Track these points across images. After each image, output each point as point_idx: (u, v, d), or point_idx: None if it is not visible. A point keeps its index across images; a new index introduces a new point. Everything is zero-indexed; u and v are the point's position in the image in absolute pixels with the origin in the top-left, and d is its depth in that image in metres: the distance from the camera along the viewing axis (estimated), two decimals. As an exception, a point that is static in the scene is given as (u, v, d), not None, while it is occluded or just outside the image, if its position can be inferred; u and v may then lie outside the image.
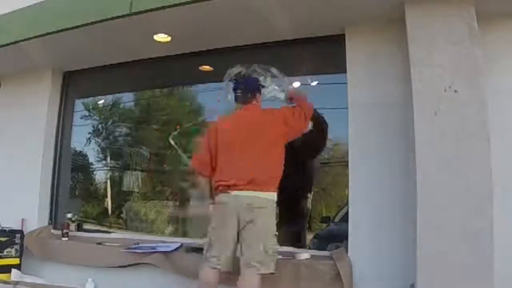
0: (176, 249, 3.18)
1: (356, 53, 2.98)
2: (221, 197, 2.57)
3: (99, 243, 3.52)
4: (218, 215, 2.58)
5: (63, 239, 3.69)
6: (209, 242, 2.57)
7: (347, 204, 2.92)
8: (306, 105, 2.79)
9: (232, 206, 2.51)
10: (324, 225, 3.53)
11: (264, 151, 2.57)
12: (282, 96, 2.98)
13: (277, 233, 2.55)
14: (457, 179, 2.30)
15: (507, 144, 2.54)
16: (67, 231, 3.73)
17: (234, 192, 2.52)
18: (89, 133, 4.51)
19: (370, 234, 2.76)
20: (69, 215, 3.87)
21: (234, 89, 2.85)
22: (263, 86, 2.91)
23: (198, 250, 3.14)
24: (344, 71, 2.99)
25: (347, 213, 2.89)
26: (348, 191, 2.88)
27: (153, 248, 3.21)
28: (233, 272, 2.51)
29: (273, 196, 2.57)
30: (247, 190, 2.50)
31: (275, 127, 2.63)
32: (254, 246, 2.44)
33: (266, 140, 2.59)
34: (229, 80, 2.99)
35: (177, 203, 4.18)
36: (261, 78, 2.95)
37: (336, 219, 3.37)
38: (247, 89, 2.80)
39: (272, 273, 2.47)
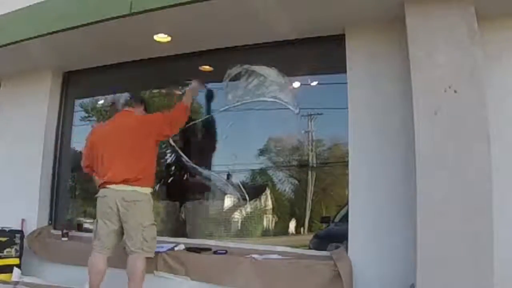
0: (171, 249, 3.18)
1: (356, 53, 2.98)
2: (101, 191, 2.95)
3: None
4: (101, 207, 2.93)
5: (63, 239, 3.70)
6: (95, 231, 2.98)
7: (347, 204, 2.92)
8: (178, 113, 3.19)
9: (111, 199, 2.86)
10: (324, 225, 3.52)
11: (137, 154, 2.93)
12: (282, 96, 2.98)
13: (155, 223, 2.94)
14: (457, 179, 2.30)
15: (507, 144, 2.54)
16: (67, 231, 3.74)
17: (112, 186, 2.87)
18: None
19: (370, 234, 2.76)
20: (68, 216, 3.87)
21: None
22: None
23: (198, 250, 3.15)
24: (344, 71, 2.99)
25: (347, 213, 2.89)
26: (348, 191, 2.88)
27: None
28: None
29: (148, 189, 2.94)
30: (122, 185, 2.85)
31: (143, 130, 3.00)
32: (133, 235, 2.82)
33: (137, 142, 2.96)
34: (229, 80, 3.01)
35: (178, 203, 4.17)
36: (261, 79, 2.96)
37: (336, 219, 3.37)
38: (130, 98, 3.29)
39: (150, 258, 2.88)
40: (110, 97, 4.37)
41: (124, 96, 4.00)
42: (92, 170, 3.13)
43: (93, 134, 3.18)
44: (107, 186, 2.91)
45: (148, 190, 2.96)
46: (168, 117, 3.15)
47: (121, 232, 2.93)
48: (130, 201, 2.85)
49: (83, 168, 3.22)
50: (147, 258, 2.87)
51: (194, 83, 3.46)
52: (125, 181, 2.86)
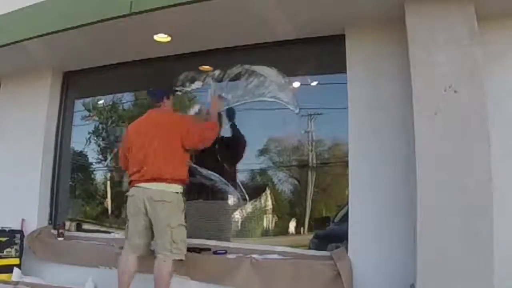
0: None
1: (356, 53, 2.98)
2: (131, 190, 2.92)
3: (99, 243, 3.52)
4: (130, 206, 2.89)
5: (59, 238, 3.70)
6: (126, 230, 2.94)
7: (347, 204, 2.91)
8: (209, 126, 3.11)
9: (140, 198, 2.81)
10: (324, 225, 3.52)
11: (166, 151, 2.87)
12: (282, 96, 2.99)
13: (184, 224, 2.86)
14: (457, 179, 2.30)
15: (507, 144, 2.54)
16: (62, 231, 3.74)
17: (140, 185, 2.84)
18: (89, 133, 4.50)
19: (370, 234, 2.76)
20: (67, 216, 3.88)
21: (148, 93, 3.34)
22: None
23: (198, 250, 3.15)
24: (344, 71, 2.99)
25: (347, 213, 2.89)
26: (348, 191, 2.88)
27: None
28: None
29: (178, 189, 2.87)
30: (151, 183, 2.81)
31: (176, 132, 2.93)
32: (161, 235, 2.76)
33: (168, 141, 2.90)
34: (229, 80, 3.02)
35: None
36: (261, 79, 2.97)
37: (336, 219, 3.37)
38: (156, 94, 3.18)
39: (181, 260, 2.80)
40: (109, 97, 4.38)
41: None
42: (126, 168, 3.10)
43: (128, 133, 3.12)
44: (136, 184, 2.87)
45: (179, 188, 2.89)
46: (200, 126, 3.09)
47: (151, 232, 2.86)
48: (158, 200, 2.78)
49: (124, 168, 3.20)
50: (177, 260, 2.79)
51: (213, 99, 3.40)
52: (154, 179, 2.81)
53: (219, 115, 3.37)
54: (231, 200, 3.62)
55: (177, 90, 3.64)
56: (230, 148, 3.55)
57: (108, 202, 4.48)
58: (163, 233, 2.76)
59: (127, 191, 2.99)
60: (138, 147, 2.94)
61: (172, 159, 2.88)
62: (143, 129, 3.00)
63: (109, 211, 4.45)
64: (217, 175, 3.50)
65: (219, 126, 3.23)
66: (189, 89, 3.71)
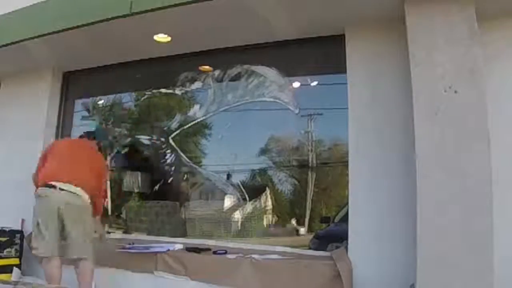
0: (169, 250, 3.18)
1: (356, 53, 2.98)
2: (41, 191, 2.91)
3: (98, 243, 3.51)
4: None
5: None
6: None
7: (347, 204, 2.91)
8: (100, 203, 3.21)
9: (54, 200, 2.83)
10: (324, 225, 3.52)
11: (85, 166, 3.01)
12: (282, 96, 2.99)
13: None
14: (457, 179, 2.30)
15: (507, 144, 2.53)
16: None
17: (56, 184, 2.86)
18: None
19: (370, 234, 2.76)
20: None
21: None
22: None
23: (198, 250, 3.16)
24: (344, 71, 2.99)
25: (347, 213, 2.89)
26: (348, 191, 2.88)
27: (147, 248, 3.21)
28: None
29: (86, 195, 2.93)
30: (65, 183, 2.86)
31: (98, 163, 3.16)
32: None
33: (89, 162, 3.06)
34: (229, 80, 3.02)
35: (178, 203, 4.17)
36: (261, 79, 2.97)
37: (336, 219, 3.37)
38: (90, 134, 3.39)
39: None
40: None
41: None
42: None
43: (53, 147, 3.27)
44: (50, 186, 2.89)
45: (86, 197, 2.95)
46: (103, 175, 3.25)
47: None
48: (71, 204, 2.84)
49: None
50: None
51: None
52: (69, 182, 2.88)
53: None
54: (231, 200, 3.62)
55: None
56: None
57: (108, 202, 4.47)
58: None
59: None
60: (56, 157, 3.06)
61: (87, 173, 3.00)
62: (66, 146, 3.24)
63: (109, 211, 4.45)
64: (216, 175, 3.51)
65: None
66: (189, 89, 3.71)
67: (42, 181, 2.92)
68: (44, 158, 3.16)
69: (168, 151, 4.10)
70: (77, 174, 2.92)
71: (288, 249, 3.14)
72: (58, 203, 2.80)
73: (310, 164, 3.47)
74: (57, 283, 2.81)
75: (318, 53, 3.31)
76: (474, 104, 2.33)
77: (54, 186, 2.84)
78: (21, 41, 3.43)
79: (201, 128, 4.08)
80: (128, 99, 4.59)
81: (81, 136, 3.43)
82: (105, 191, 3.35)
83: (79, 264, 2.87)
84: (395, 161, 2.74)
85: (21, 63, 3.99)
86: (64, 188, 2.84)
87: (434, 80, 2.41)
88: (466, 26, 2.40)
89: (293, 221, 3.63)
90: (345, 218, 2.94)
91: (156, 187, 4.32)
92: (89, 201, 2.96)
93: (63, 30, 3.21)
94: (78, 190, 2.88)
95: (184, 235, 3.64)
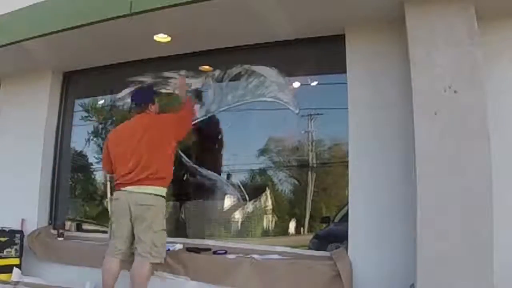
0: (169, 250, 3.17)
1: (356, 53, 2.98)
2: (116, 194, 2.93)
3: (99, 244, 3.51)
4: (115, 210, 2.92)
5: (59, 239, 3.70)
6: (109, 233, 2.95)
7: (347, 204, 2.91)
8: (184, 113, 3.17)
9: (125, 201, 2.82)
10: (324, 225, 3.52)
11: (152, 152, 2.87)
12: (282, 96, 2.98)
13: (165, 229, 2.88)
14: (457, 179, 2.30)
15: (507, 144, 2.54)
16: (62, 231, 3.74)
17: (125, 188, 2.85)
18: (89, 133, 4.49)
19: (370, 234, 2.76)
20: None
21: (131, 100, 3.24)
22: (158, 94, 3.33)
23: (198, 250, 3.16)
24: (344, 71, 2.99)
25: (347, 213, 2.89)
26: (348, 191, 2.88)
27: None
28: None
29: (163, 192, 2.89)
30: (136, 186, 2.82)
31: (163, 131, 2.96)
32: (143, 239, 2.77)
33: (155, 142, 2.90)
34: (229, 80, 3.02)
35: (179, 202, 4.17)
36: (261, 79, 2.96)
37: (336, 219, 3.36)
38: (140, 101, 3.13)
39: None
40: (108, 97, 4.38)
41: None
42: (112, 172, 3.10)
43: (109, 137, 3.16)
44: (121, 188, 2.89)
45: (163, 192, 2.91)
46: (182, 116, 3.14)
47: (133, 236, 2.87)
48: (143, 204, 2.81)
49: (105, 171, 3.22)
50: (155, 264, 2.83)
51: (180, 80, 3.51)
52: (138, 182, 2.83)
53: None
54: (231, 200, 3.62)
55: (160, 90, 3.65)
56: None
57: (108, 202, 4.48)
58: (146, 236, 2.78)
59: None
60: (123, 151, 2.93)
61: (160, 162, 2.89)
62: (130, 133, 2.98)
63: (109, 211, 4.45)
64: (216, 175, 3.51)
65: (192, 106, 3.31)
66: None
67: (116, 185, 2.96)
68: (108, 152, 3.07)
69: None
70: (147, 170, 2.83)
71: (288, 249, 3.14)
72: (129, 203, 2.82)
73: (310, 164, 3.47)
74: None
75: (318, 53, 3.31)
76: (474, 104, 2.33)
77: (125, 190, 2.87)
78: (21, 41, 3.43)
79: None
80: (128, 99, 4.59)
81: (136, 109, 3.14)
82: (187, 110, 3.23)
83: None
84: (395, 161, 2.74)
85: (21, 63, 3.99)
86: (135, 190, 2.83)
87: (434, 80, 2.41)
88: (466, 26, 2.41)
89: (293, 221, 3.62)
90: (345, 218, 2.94)
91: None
92: (165, 193, 2.92)
93: (63, 30, 3.20)
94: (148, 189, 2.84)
95: (184, 235, 3.63)
